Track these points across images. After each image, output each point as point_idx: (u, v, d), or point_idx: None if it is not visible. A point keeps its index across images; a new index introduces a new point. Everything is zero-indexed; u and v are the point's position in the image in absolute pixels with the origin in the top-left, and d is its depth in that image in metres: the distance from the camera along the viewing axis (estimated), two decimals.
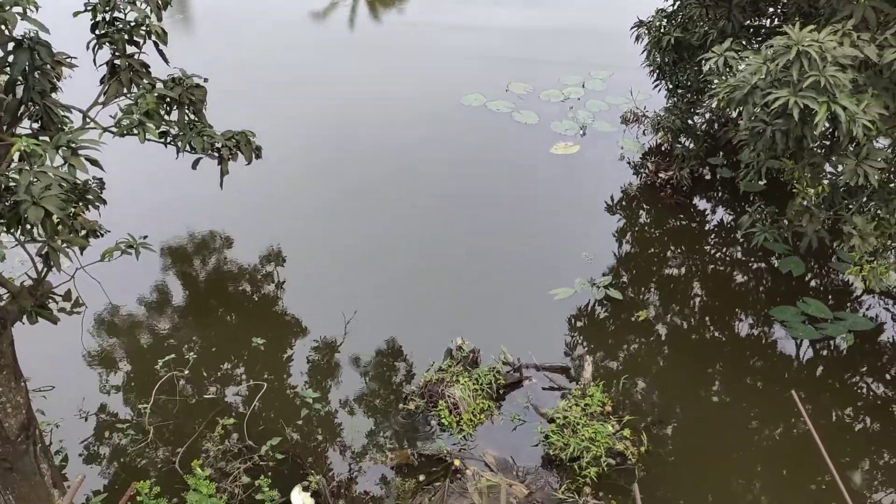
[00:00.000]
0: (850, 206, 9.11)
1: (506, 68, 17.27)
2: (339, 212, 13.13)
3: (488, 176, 14.04)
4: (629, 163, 14.40)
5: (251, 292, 11.62)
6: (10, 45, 6.62)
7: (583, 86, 16.56)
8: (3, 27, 6.31)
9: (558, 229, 12.79)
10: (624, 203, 13.52)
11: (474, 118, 15.64)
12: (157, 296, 11.36)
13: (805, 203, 9.14)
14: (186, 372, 9.80)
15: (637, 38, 12.82)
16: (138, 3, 7.94)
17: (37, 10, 6.61)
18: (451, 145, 14.88)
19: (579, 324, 11.01)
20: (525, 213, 13.12)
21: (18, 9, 6.41)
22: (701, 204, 13.50)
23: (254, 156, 9.47)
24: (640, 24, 12.81)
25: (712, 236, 12.90)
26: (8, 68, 6.58)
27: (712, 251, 12.58)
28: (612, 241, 12.68)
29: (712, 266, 12.25)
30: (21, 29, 6.63)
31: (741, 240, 12.48)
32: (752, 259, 12.25)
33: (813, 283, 11.74)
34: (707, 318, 11.18)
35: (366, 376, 10.12)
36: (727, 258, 12.41)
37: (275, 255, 12.24)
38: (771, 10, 11.77)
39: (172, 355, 10.01)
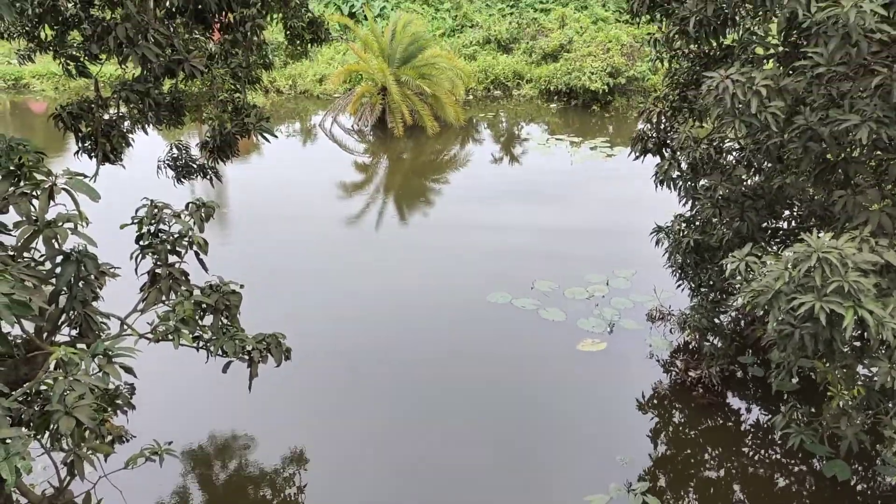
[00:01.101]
0: (889, 409, 8.84)
1: (530, 266, 17.70)
2: (364, 412, 12.98)
3: (515, 374, 13.95)
4: (658, 361, 14.28)
5: (271, 497, 11.25)
6: (59, 258, 6.99)
7: (607, 283, 16.84)
8: (54, 241, 6.67)
9: (589, 429, 12.48)
10: (655, 402, 13.25)
11: (501, 315, 15.82)
12: (176, 502, 11.03)
13: (842, 405, 8.90)
14: None
15: (657, 242, 13.19)
16: (183, 217, 8.45)
17: (87, 225, 7.02)
18: (478, 342, 14.94)
19: None
20: (554, 411, 12.88)
21: (70, 224, 6.83)
22: (734, 403, 13.19)
23: (283, 358, 9.56)
24: (658, 229, 13.23)
25: (749, 437, 12.47)
26: (54, 279, 6.89)
27: (750, 453, 12.09)
28: (646, 442, 12.29)
29: (752, 469, 11.73)
30: (70, 242, 7.02)
31: (779, 441, 12.04)
32: (793, 461, 11.74)
33: (860, 488, 11.14)
34: None
35: None
36: (767, 460, 11.90)
37: (297, 457, 11.97)
38: (787, 212, 12.17)
39: None
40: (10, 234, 6.63)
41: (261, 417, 12.73)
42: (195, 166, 12.24)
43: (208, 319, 8.88)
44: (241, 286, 9.13)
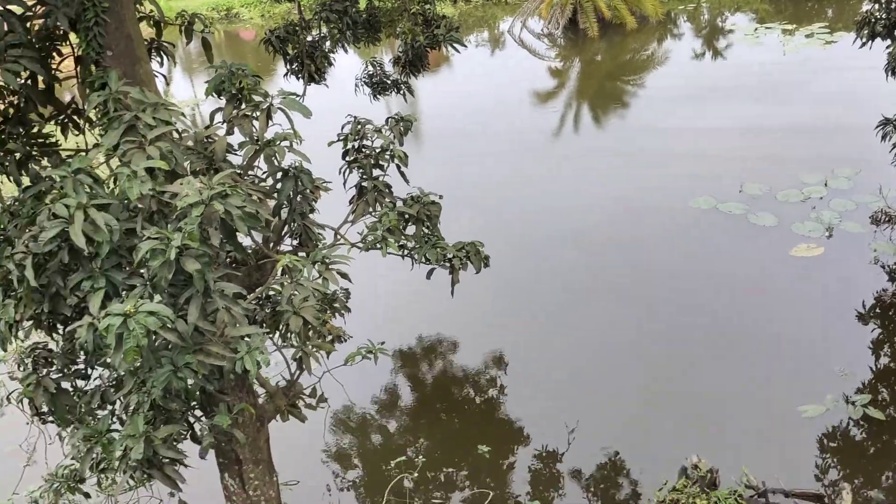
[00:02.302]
0: None
1: (737, 169, 16.65)
2: (562, 318, 13.14)
3: (722, 280, 13.39)
4: (883, 267, 13.05)
5: (474, 396, 11.82)
6: (279, 174, 7.56)
7: (825, 184, 15.48)
8: (274, 159, 7.22)
9: (803, 338, 11.79)
10: (878, 311, 12.20)
11: (705, 221, 15.14)
12: (388, 398, 11.93)
13: None
14: (416, 475, 10.10)
15: (884, 137, 11.79)
16: (384, 132, 8.80)
17: (301, 142, 7.51)
18: (680, 249, 14.46)
19: (833, 445, 9.91)
20: (764, 319, 12.28)
21: (286, 143, 7.33)
22: None
23: (482, 265, 9.84)
24: (885, 122, 11.77)
25: None
26: (276, 194, 7.49)
27: None
28: (866, 353, 11.42)
29: None
30: (287, 159, 7.56)
31: None
32: None
33: None
34: None
35: (589, 491, 9.79)
36: None
37: (497, 360, 12.42)
38: None
39: (403, 457, 10.38)
40: (236, 154, 7.25)
41: (463, 322, 13.28)
42: (389, 82, 12.60)
43: (411, 229, 9.32)
44: (441, 196, 9.43)
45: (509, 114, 22.11)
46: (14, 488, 10.51)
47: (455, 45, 11.43)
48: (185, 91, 27.52)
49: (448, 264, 9.53)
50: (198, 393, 6.38)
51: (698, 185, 16.19)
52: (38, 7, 6.44)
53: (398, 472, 10.15)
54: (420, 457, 10.43)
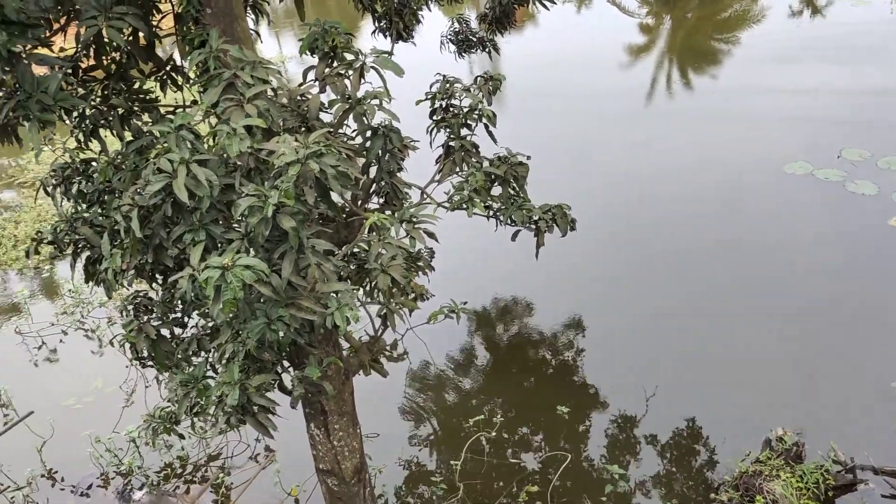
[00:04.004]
0: None
1: (836, 133, 15.88)
2: (643, 284, 12.91)
3: (814, 248, 12.91)
4: None
5: (550, 359, 11.80)
6: (368, 133, 7.61)
7: None
8: (364, 118, 7.26)
9: None
10: None
11: (798, 188, 14.54)
12: (465, 357, 12.02)
13: None
14: (493, 434, 10.21)
15: None
16: (472, 91, 8.72)
17: (390, 101, 7.52)
18: (771, 216, 13.95)
19: None
20: (858, 292, 11.79)
21: (376, 101, 7.36)
22: None
23: (569, 228, 9.73)
24: None
25: None
26: (365, 152, 7.56)
27: None
28: None
29: None
30: (377, 118, 7.59)
31: None
32: None
33: None
34: None
35: (666, 457, 9.71)
36: None
37: (575, 323, 12.33)
38: None
39: (481, 416, 10.49)
40: (326, 112, 7.33)
41: (540, 285, 13.19)
42: (475, 39, 12.46)
43: (497, 190, 9.26)
44: (528, 157, 9.32)
45: (596, 73, 21.58)
46: (114, 427, 11.16)
47: (543, 1, 11.19)
48: (272, 49, 27.90)
49: (534, 226, 9.46)
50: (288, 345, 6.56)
51: (793, 150, 15.54)
52: None
53: (476, 430, 10.28)
54: (497, 416, 10.52)
